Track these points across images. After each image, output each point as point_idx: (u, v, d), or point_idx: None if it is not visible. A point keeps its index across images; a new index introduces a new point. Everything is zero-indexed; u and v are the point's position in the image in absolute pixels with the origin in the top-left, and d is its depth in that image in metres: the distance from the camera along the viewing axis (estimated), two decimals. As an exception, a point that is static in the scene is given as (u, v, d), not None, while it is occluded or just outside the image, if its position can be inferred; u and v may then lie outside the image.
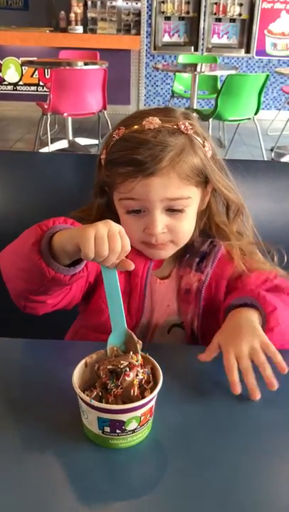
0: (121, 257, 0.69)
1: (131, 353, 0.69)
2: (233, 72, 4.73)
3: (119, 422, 0.64)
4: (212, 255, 0.99)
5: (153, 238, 0.90)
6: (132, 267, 0.70)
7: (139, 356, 0.69)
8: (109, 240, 0.67)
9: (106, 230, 0.68)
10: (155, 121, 0.86)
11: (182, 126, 0.88)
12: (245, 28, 6.67)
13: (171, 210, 0.89)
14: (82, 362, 0.70)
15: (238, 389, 0.75)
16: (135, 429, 0.65)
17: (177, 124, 0.88)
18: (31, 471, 0.63)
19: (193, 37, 6.71)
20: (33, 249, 0.75)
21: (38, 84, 6.75)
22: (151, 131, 0.86)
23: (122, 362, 0.66)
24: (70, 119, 4.80)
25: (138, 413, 0.64)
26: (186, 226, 0.93)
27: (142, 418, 0.65)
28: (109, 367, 0.67)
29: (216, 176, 0.93)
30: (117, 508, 0.60)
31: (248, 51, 6.71)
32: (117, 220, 0.94)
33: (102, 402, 0.64)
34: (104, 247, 0.67)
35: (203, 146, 0.91)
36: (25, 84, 6.76)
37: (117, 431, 0.64)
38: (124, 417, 0.63)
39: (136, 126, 0.88)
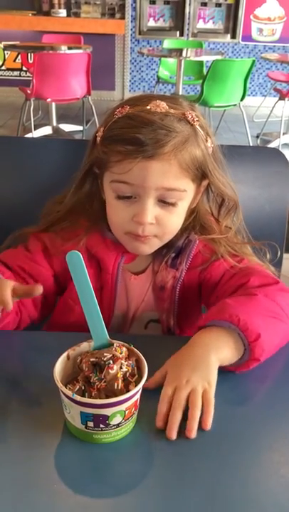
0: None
1: (115, 345, 0.66)
2: (219, 57, 4.67)
3: (103, 416, 0.61)
4: (187, 251, 0.95)
5: (140, 228, 0.85)
6: (39, 291, 0.74)
7: (124, 348, 0.66)
8: None
9: None
10: (162, 105, 0.83)
11: (189, 116, 0.85)
12: (231, 13, 6.60)
13: (164, 202, 0.85)
14: (65, 354, 0.67)
15: (161, 423, 0.67)
16: (120, 423, 0.63)
17: (184, 113, 0.85)
18: (10, 467, 0.61)
19: (178, 22, 6.62)
20: None
21: (21, 69, 6.63)
22: (157, 114, 0.82)
23: (105, 354, 0.64)
24: (53, 104, 4.72)
25: (122, 407, 0.61)
26: (175, 221, 0.89)
27: (126, 412, 0.62)
28: (92, 359, 0.64)
29: (215, 172, 0.90)
30: (101, 504, 0.58)
31: (233, 36, 6.65)
32: (100, 208, 0.92)
33: (85, 396, 0.62)
34: None
35: (206, 141, 0.88)
36: (7, 69, 6.63)
37: (101, 426, 0.62)
38: (107, 412, 0.61)
39: (142, 107, 0.84)
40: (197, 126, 0.85)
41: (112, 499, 0.58)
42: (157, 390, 0.72)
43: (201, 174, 0.88)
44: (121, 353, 0.65)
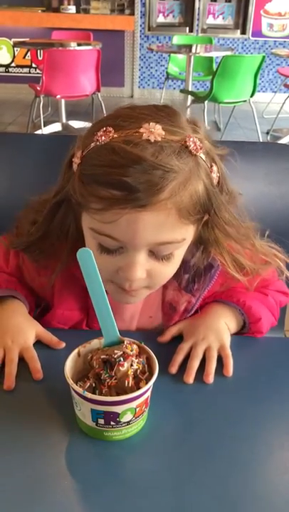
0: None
1: (125, 342, 0.66)
2: (228, 53, 4.64)
3: (114, 413, 0.61)
4: (207, 278, 0.86)
5: (127, 283, 0.72)
6: (61, 346, 0.80)
7: (134, 346, 0.66)
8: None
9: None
10: (157, 132, 0.64)
11: (191, 145, 0.66)
12: (241, 9, 6.55)
13: (157, 255, 0.71)
14: (75, 351, 0.67)
15: (174, 369, 0.77)
16: (130, 420, 0.63)
17: (185, 141, 0.66)
18: (22, 464, 0.61)
19: (188, 17, 6.59)
20: None
21: (30, 66, 6.63)
22: (150, 146, 0.64)
23: (116, 351, 0.64)
24: (63, 101, 4.72)
25: (133, 404, 0.61)
26: (169, 271, 0.76)
27: (137, 409, 0.62)
28: (102, 356, 0.64)
29: (221, 211, 0.73)
30: (112, 502, 0.58)
31: (243, 32, 6.60)
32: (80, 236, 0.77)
33: (95, 393, 0.62)
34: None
35: (211, 171, 0.71)
36: (17, 66, 6.64)
37: (112, 423, 0.62)
38: (118, 409, 0.61)
39: (130, 133, 0.65)
40: (201, 156, 0.68)
41: (123, 496, 0.58)
42: (167, 390, 0.72)
43: (203, 212, 0.72)
44: (132, 351, 0.65)
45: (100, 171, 0.65)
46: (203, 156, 0.68)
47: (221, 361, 0.79)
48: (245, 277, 0.84)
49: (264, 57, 4.30)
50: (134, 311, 0.91)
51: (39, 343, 0.82)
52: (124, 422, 0.62)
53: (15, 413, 0.68)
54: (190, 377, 0.76)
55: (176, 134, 0.66)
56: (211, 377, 0.76)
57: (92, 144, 0.67)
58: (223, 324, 0.85)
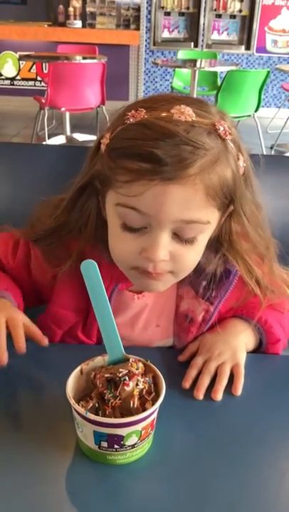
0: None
1: (130, 360, 0.63)
2: (233, 68, 4.65)
3: (118, 436, 0.58)
4: (226, 285, 0.82)
5: (151, 265, 0.70)
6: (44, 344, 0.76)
7: (140, 364, 0.63)
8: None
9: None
10: (188, 113, 0.65)
11: (220, 128, 0.67)
12: (246, 25, 6.60)
13: (181, 236, 0.69)
14: (78, 369, 0.64)
15: (187, 384, 0.75)
16: (135, 444, 0.59)
17: (214, 124, 0.67)
18: (20, 487, 0.57)
19: (193, 33, 6.63)
20: None
21: (35, 79, 6.67)
22: (182, 124, 0.64)
23: (120, 370, 0.60)
24: (67, 114, 4.73)
25: (138, 427, 0.58)
26: (193, 257, 0.74)
27: (142, 432, 0.59)
28: (106, 375, 0.61)
29: (242, 201, 0.72)
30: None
31: (248, 48, 6.64)
32: (100, 228, 0.77)
33: (98, 414, 0.58)
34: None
35: (238, 159, 0.70)
36: (22, 79, 6.68)
37: (116, 446, 0.59)
38: (123, 432, 0.57)
39: (162, 113, 0.66)
40: (229, 141, 0.68)
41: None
42: (174, 410, 0.69)
43: (229, 201, 0.71)
44: (137, 369, 0.61)
45: (130, 143, 0.65)
46: (231, 143, 0.69)
47: (232, 379, 0.76)
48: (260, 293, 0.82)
49: (269, 72, 4.31)
50: (140, 310, 0.87)
51: (39, 358, 0.78)
52: (129, 446, 0.59)
53: (11, 433, 0.65)
54: (200, 393, 0.74)
55: (206, 117, 0.67)
56: (219, 395, 0.73)
57: (123, 124, 0.68)
58: (242, 342, 0.83)
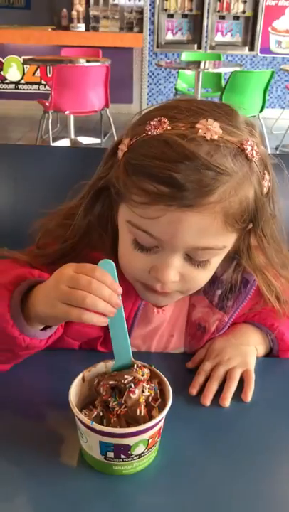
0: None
1: (135, 366, 0.60)
2: (237, 69, 4.63)
3: (125, 446, 0.55)
4: (243, 294, 0.79)
5: (158, 285, 0.67)
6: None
7: (146, 370, 0.60)
8: (96, 291, 0.56)
9: (85, 280, 0.56)
10: (214, 129, 0.59)
11: (248, 149, 0.61)
12: (249, 26, 6.57)
13: (193, 259, 0.66)
14: (80, 377, 0.61)
15: (194, 390, 0.72)
16: (142, 453, 0.57)
17: (242, 143, 0.61)
18: (21, 502, 0.55)
19: (196, 35, 6.61)
20: (3, 314, 0.61)
21: (39, 83, 6.67)
22: (206, 143, 0.59)
23: (125, 377, 0.58)
24: (72, 117, 4.72)
25: (146, 436, 0.56)
26: (204, 278, 0.70)
27: (149, 441, 0.57)
28: (111, 382, 0.58)
29: (266, 224, 0.68)
30: None
31: (252, 49, 6.61)
32: (111, 239, 0.73)
33: (103, 423, 0.56)
34: (97, 304, 0.56)
35: (263, 179, 0.65)
36: (27, 83, 6.68)
37: (122, 456, 0.56)
38: (130, 441, 0.55)
39: (185, 127, 0.60)
40: (255, 161, 0.63)
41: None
42: (181, 416, 0.66)
43: (249, 221, 0.67)
44: (143, 375, 0.59)
45: (149, 162, 0.60)
46: (257, 162, 0.63)
47: (240, 386, 0.73)
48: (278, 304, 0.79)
49: (273, 72, 4.29)
50: (160, 324, 0.83)
51: (40, 366, 0.75)
52: (136, 455, 0.56)
53: (12, 443, 0.62)
54: (207, 400, 0.71)
55: (234, 134, 0.61)
56: (227, 402, 0.71)
57: (144, 134, 0.62)
58: (253, 348, 0.81)
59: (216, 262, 0.69)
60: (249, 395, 0.72)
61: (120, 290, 0.58)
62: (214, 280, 0.76)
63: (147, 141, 0.62)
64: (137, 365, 0.61)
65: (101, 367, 0.63)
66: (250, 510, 0.55)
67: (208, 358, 0.78)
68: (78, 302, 0.56)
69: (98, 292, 0.56)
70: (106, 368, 0.63)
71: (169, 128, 0.61)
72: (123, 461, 0.56)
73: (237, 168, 0.60)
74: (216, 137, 0.59)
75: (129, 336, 0.77)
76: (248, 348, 0.80)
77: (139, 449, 0.56)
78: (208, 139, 0.59)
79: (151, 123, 0.62)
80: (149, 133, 0.62)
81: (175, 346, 0.86)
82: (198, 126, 0.60)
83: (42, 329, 0.65)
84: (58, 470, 0.59)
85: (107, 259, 0.57)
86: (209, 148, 0.59)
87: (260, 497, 0.57)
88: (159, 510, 0.55)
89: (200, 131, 0.59)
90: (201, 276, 0.69)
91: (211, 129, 0.59)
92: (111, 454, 0.56)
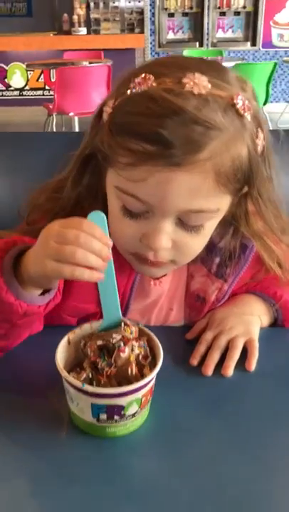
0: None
1: (123, 324, 0.59)
2: (239, 62, 4.62)
3: (118, 407, 0.54)
4: (242, 260, 0.76)
5: (151, 253, 0.65)
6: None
7: (133, 328, 0.59)
8: (85, 245, 0.54)
9: (73, 234, 0.54)
10: (202, 84, 0.56)
11: (239, 103, 0.58)
12: (251, 21, 6.55)
13: (186, 224, 0.63)
14: (65, 339, 0.60)
15: (195, 361, 0.70)
16: (135, 412, 0.56)
17: (232, 97, 0.58)
18: (12, 471, 0.54)
19: (197, 32, 6.61)
20: None
21: (43, 89, 6.71)
22: (194, 98, 0.56)
23: (114, 336, 0.57)
24: (76, 119, 4.73)
25: (139, 394, 0.54)
26: (198, 245, 0.68)
27: (142, 399, 0.56)
28: (98, 343, 0.57)
29: (262, 185, 0.65)
30: (117, 507, 0.51)
31: (254, 44, 6.59)
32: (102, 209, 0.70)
33: (92, 385, 0.55)
34: (88, 258, 0.53)
35: (256, 137, 0.62)
36: (31, 89, 6.72)
37: (115, 417, 0.55)
38: (123, 401, 0.54)
39: (171, 82, 0.57)
40: (248, 117, 0.60)
41: (128, 500, 0.51)
42: (179, 389, 0.66)
43: (243, 182, 0.64)
44: (131, 333, 0.58)
45: (133, 119, 0.58)
46: (250, 119, 0.60)
47: (242, 356, 0.71)
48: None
49: (276, 64, 4.28)
50: (158, 297, 0.81)
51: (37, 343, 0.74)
52: (129, 415, 0.55)
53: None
54: (209, 369, 0.68)
55: (223, 89, 0.58)
56: (230, 371, 0.68)
57: (128, 92, 0.59)
58: (257, 318, 0.78)
59: (210, 227, 0.66)
60: (253, 364, 0.69)
61: (111, 243, 0.55)
62: (212, 248, 0.75)
63: (132, 98, 0.59)
64: (125, 323, 0.59)
65: (86, 328, 0.61)
66: (247, 476, 0.53)
67: (210, 328, 0.75)
68: (68, 258, 0.53)
69: (88, 246, 0.53)
70: (92, 328, 0.61)
71: (154, 84, 0.58)
72: (116, 422, 0.55)
73: (227, 123, 0.57)
74: (204, 92, 0.56)
75: (127, 310, 0.78)
76: (252, 318, 0.77)
77: (133, 409, 0.55)
78: (196, 93, 0.56)
79: (136, 80, 0.59)
80: (134, 90, 0.59)
81: (175, 320, 0.84)
82: (185, 80, 0.56)
83: (40, 295, 0.63)
84: (48, 437, 0.57)
85: (97, 211, 0.55)
86: (197, 102, 0.56)
87: (257, 463, 0.55)
88: (153, 472, 0.54)
89: (187, 85, 0.56)
90: (195, 243, 0.66)
91: (199, 83, 0.56)
92: (104, 416, 0.55)
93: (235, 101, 0.58)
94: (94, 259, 0.54)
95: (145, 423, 0.59)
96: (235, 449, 0.57)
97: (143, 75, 0.59)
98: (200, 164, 0.56)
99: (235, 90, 0.59)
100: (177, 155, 0.55)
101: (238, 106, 0.58)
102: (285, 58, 5.32)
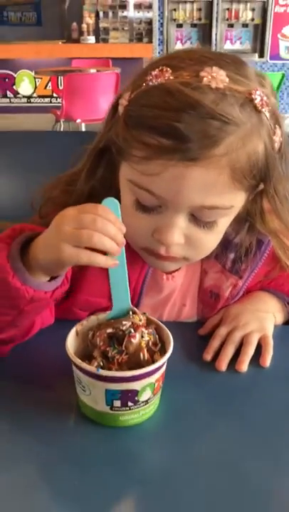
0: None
1: (130, 312, 0.58)
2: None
3: (132, 392, 0.54)
4: (258, 256, 0.76)
5: (163, 248, 0.64)
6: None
7: (141, 316, 0.58)
8: (101, 229, 0.53)
9: (89, 218, 0.53)
10: (220, 78, 0.56)
11: (257, 99, 0.57)
12: (258, 33, 6.59)
13: (199, 220, 0.63)
14: (73, 330, 0.59)
15: (209, 356, 0.70)
16: (149, 398, 0.55)
17: (250, 93, 0.57)
18: (21, 466, 0.53)
19: (205, 44, 6.62)
20: (3, 265, 0.58)
21: (51, 96, 6.76)
22: (211, 92, 0.55)
23: (124, 323, 0.56)
24: (83, 125, 4.75)
25: (152, 379, 0.54)
26: (211, 242, 0.67)
27: (156, 384, 0.55)
28: (108, 331, 0.56)
29: (278, 182, 0.64)
30: (130, 497, 0.50)
31: (261, 56, 6.63)
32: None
33: (105, 372, 0.54)
34: (104, 242, 0.53)
35: (274, 134, 0.61)
36: (39, 97, 6.78)
37: (129, 403, 0.55)
38: (137, 385, 0.53)
39: (189, 76, 0.57)
40: (266, 113, 0.59)
41: (142, 490, 0.50)
42: (191, 383, 0.65)
43: (259, 179, 0.63)
44: (140, 320, 0.57)
45: (149, 112, 0.57)
46: (267, 115, 0.59)
47: (257, 352, 0.70)
48: None
49: (283, 75, 4.30)
50: (171, 292, 0.80)
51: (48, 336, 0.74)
52: (143, 401, 0.55)
53: (11, 403, 0.61)
54: (223, 364, 0.68)
55: (241, 83, 0.57)
56: (244, 366, 0.67)
57: (144, 84, 0.59)
58: (271, 315, 0.77)
59: (223, 224, 0.65)
60: (268, 360, 0.68)
61: (124, 228, 0.55)
62: (226, 244, 0.74)
63: (148, 91, 0.58)
64: (133, 311, 0.59)
65: (93, 320, 0.61)
66: (259, 468, 0.53)
67: (224, 323, 0.74)
68: (84, 241, 0.53)
69: (104, 230, 0.53)
70: (98, 320, 0.61)
71: (171, 77, 0.57)
72: (130, 409, 0.55)
73: (245, 119, 0.57)
74: (221, 86, 0.56)
75: (138, 304, 0.78)
76: (266, 315, 0.76)
77: (146, 394, 0.55)
78: (214, 87, 0.55)
79: (153, 73, 0.58)
80: (150, 83, 0.58)
81: (188, 316, 0.83)
82: (202, 74, 0.56)
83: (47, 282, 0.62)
84: (57, 427, 0.57)
85: (111, 197, 0.55)
86: (215, 96, 0.55)
87: (268, 458, 0.54)
88: (164, 462, 0.53)
89: (205, 79, 0.56)
90: (208, 239, 0.66)
91: (217, 77, 0.56)
92: (118, 403, 0.54)
93: (253, 96, 0.57)
94: (109, 243, 0.54)
95: (157, 413, 0.59)
96: (246, 443, 0.56)
97: (160, 68, 0.58)
98: (216, 160, 0.56)
99: (254, 85, 0.58)
100: (193, 149, 0.55)
101: (255, 101, 0.57)
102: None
